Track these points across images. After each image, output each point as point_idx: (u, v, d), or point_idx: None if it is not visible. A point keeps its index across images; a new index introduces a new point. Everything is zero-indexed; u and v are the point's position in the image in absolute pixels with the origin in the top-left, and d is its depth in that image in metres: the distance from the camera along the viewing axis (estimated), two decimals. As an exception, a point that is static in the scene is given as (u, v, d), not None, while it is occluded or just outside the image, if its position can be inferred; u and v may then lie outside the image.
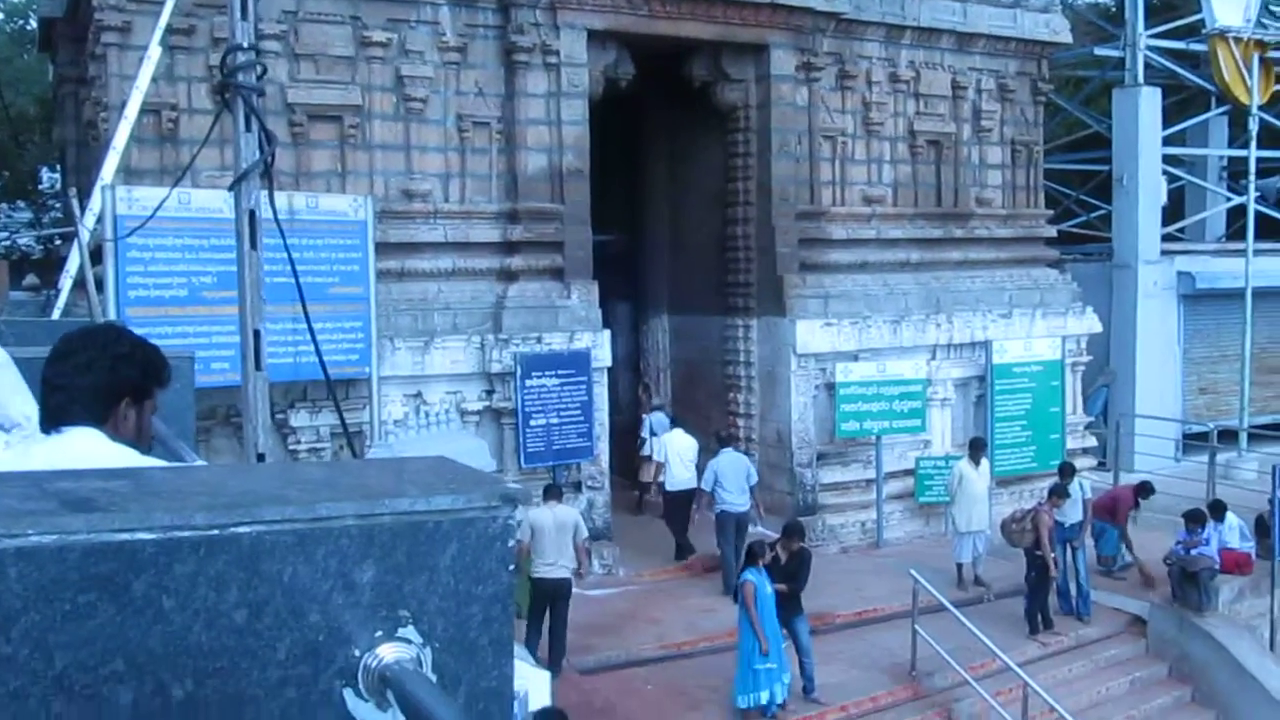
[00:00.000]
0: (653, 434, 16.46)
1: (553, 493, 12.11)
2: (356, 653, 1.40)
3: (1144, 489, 14.93)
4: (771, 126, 16.38)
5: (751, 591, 10.77)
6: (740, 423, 16.96)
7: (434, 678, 1.43)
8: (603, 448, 14.93)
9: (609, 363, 15.01)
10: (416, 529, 1.41)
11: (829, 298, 16.59)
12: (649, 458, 16.53)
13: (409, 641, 1.42)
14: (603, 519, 14.93)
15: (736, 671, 11.03)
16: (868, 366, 16.45)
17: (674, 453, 15.14)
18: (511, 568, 1.48)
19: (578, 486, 14.69)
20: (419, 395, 13.84)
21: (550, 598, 11.54)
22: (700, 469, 14.70)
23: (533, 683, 9.31)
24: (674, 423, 16.09)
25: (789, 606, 11.37)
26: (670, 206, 18.73)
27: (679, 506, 15.07)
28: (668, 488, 15.17)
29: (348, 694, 1.40)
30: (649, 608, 13.75)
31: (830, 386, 16.38)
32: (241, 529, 1.33)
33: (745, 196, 16.81)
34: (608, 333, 14.96)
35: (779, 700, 10.98)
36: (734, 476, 14.17)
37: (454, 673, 1.46)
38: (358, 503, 1.39)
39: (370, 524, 1.38)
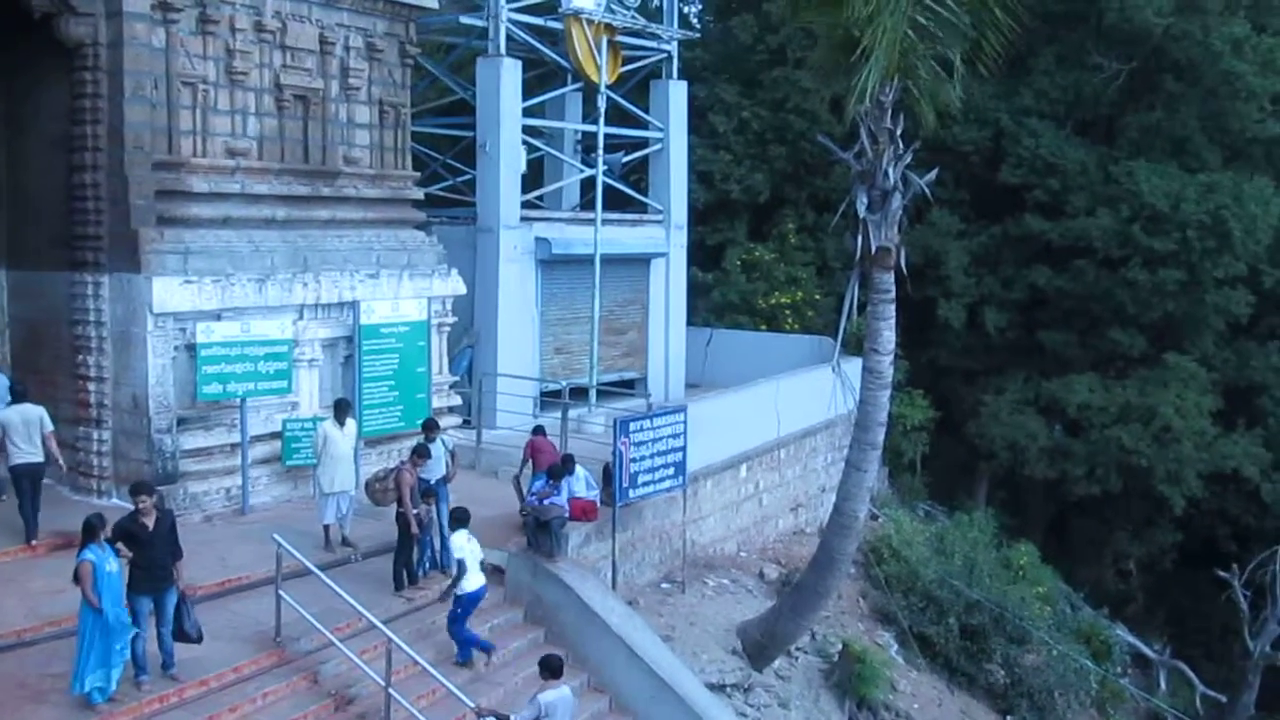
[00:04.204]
0: None
1: (18, 395, 13.94)
2: None
3: (540, 432, 16.35)
4: (124, 68, 15.30)
5: (89, 572, 10.02)
6: (91, 387, 15.75)
7: None
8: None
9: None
10: None
11: (189, 254, 15.78)
12: None
13: None
14: (-79, 498, 13.24)
15: (76, 656, 10.24)
16: (231, 326, 15.87)
17: None
18: None
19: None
20: None
21: (25, 479, 13.61)
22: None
23: None
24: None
25: (161, 576, 10.79)
26: (7, 149, 16.87)
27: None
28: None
29: None
30: (-15, 594, 12.43)
31: (191, 347, 15.65)
32: None
33: (95, 142, 15.54)
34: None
35: (114, 683, 10.39)
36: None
37: None
38: None
39: None
